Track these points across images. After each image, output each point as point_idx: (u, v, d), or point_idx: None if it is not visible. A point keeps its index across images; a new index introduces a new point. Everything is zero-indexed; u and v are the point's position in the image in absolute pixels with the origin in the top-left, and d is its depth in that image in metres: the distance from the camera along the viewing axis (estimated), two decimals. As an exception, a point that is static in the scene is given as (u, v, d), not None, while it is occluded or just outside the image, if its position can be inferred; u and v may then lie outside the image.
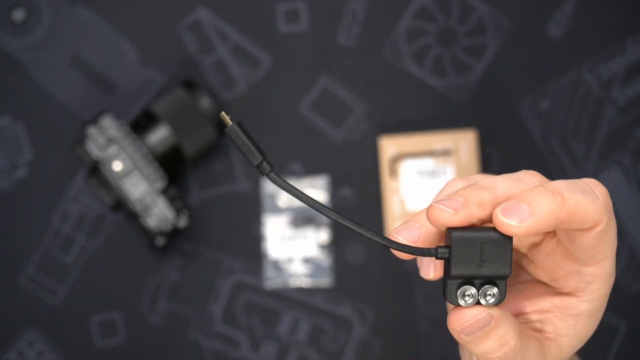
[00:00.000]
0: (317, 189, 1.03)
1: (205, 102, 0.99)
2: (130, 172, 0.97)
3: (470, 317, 0.49)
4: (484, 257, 0.48)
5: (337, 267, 1.02)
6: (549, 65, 1.03)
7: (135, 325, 1.01)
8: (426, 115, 1.03)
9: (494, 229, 0.48)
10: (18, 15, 1.03)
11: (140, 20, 1.03)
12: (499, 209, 0.47)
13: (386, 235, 0.49)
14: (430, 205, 0.49)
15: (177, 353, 1.01)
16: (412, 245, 0.50)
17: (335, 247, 1.02)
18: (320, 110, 1.03)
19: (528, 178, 0.50)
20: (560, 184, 0.48)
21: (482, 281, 0.49)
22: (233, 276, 1.02)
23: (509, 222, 0.47)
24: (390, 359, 1.01)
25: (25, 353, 1.01)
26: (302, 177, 1.03)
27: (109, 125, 0.97)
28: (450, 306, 0.53)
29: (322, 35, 1.03)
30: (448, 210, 0.48)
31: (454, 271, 0.49)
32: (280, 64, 1.03)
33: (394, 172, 1.01)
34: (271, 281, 1.02)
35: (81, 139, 0.98)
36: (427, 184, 1.00)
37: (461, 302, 0.49)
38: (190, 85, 0.99)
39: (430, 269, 0.51)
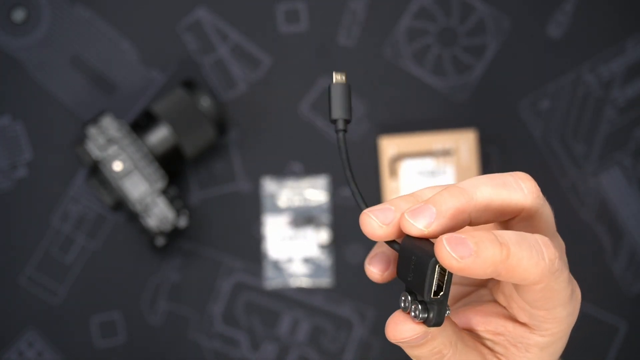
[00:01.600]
0: (317, 189, 1.03)
1: (205, 102, 0.99)
2: (130, 172, 0.97)
3: (406, 334, 0.49)
4: (412, 273, 0.48)
5: (337, 267, 1.02)
6: (549, 65, 1.03)
7: (135, 325, 1.01)
8: (426, 115, 1.03)
9: (429, 248, 0.48)
10: (18, 15, 1.03)
11: (140, 20, 1.04)
12: (445, 236, 0.46)
13: (362, 212, 0.50)
14: (402, 216, 0.48)
15: (177, 353, 1.01)
16: (383, 229, 0.50)
17: (335, 247, 1.02)
18: (320, 110, 1.03)
19: (516, 184, 0.50)
20: (510, 237, 0.47)
21: (416, 294, 0.49)
22: (233, 276, 1.02)
23: (450, 254, 0.46)
24: (390, 359, 1.01)
25: (25, 353, 1.01)
26: (302, 177, 1.03)
27: (109, 125, 0.97)
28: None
29: (322, 35, 1.03)
30: (417, 226, 0.47)
31: (398, 275, 0.49)
32: (280, 64, 1.03)
33: (394, 172, 1.01)
34: (271, 281, 1.02)
35: (81, 139, 0.98)
36: (427, 184, 1.00)
37: (400, 304, 0.49)
38: (190, 85, 1.00)
39: (375, 274, 0.51)
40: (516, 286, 0.50)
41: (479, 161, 1.01)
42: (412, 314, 0.48)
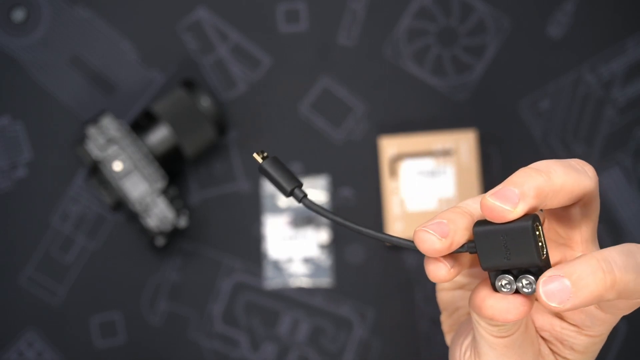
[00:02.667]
0: (317, 189, 1.03)
1: (205, 102, 0.99)
2: (130, 172, 0.97)
3: (520, 314, 0.47)
4: (508, 250, 0.47)
5: (337, 267, 1.02)
6: (549, 65, 1.03)
7: (135, 325, 1.01)
8: (426, 115, 1.03)
9: (517, 220, 0.47)
10: (18, 15, 1.03)
11: (140, 20, 1.04)
12: (542, 278, 0.45)
13: (417, 229, 0.49)
14: (485, 201, 0.47)
15: (177, 353, 1.01)
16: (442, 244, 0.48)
17: (335, 247, 1.02)
18: (320, 110, 1.03)
19: (581, 168, 0.49)
20: (616, 261, 0.46)
21: (518, 270, 0.48)
22: (233, 276, 1.02)
23: (549, 303, 0.45)
24: (390, 359, 1.01)
25: (25, 353, 1.01)
26: (302, 177, 1.03)
27: (109, 125, 0.97)
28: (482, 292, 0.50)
29: (322, 35, 1.03)
30: (505, 207, 0.46)
31: (483, 265, 0.48)
32: (280, 64, 1.03)
33: (394, 172, 1.01)
34: (271, 281, 1.02)
35: (81, 139, 0.98)
36: (427, 184, 1.00)
37: (501, 292, 0.49)
38: (190, 85, 1.00)
39: (440, 270, 0.49)
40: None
41: (479, 161, 1.01)
42: (526, 289, 0.48)
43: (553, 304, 0.45)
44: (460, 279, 0.56)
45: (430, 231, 0.47)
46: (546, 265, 0.48)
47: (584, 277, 0.45)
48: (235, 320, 1.02)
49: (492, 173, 1.02)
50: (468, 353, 0.53)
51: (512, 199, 0.46)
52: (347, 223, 0.50)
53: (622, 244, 0.47)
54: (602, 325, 0.51)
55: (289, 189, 0.51)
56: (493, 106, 1.03)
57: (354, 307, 1.02)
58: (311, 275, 1.02)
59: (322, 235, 1.02)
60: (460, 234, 0.48)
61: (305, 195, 0.51)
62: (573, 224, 0.50)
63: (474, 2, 1.03)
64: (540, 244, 0.47)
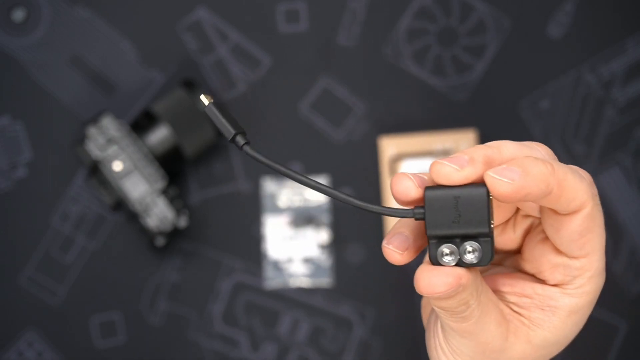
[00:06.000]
0: (317, 189, 1.02)
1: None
2: (130, 172, 0.97)
3: (442, 287, 0.47)
4: (459, 213, 0.47)
5: (337, 267, 1.02)
6: (549, 65, 1.03)
7: (135, 325, 1.02)
8: (426, 115, 1.03)
9: (471, 185, 0.47)
10: (18, 15, 1.03)
11: (140, 20, 1.04)
12: (489, 172, 0.47)
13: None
14: (435, 162, 0.48)
15: (177, 353, 1.01)
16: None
17: (335, 247, 1.02)
18: (320, 110, 1.03)
19: (534, 147, 0.50)
20: (545, 157, 0.48)
21: (461, 239, 0.47)
22: (233, 276, 1.02)
23: (502, 180, 0.46)
24: (390, 359, 1.01)
25: (25, 353, 1.01)
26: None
27: (109, 125, 0.97)
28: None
29: (322, 35, 1.04)
30: (453, 166, 0.47)
31: (429, 231, 0.47)
32: (280, 64, 1.03)
33: (394, 172, 1.01)
34: (271, 281, 1.02)
35: (81, 139, 0.98)
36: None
37: (442, 263, 0.48)
38: (190, 85, 1.00)
39: (395, 253, 0.50)
40: (559, 225, 0.49)
41: (479, 161, 1.01)
42: (466, 257, 0.47)
43: (505, 179, 0.46)
44: None
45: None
46: (492, 236, 0.47)
47: (528, 163, 0.47)
48: (235, 320, 1.02)
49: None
50: (440, 340, 0.53)
51: (461, 161, 0.47)
52: (296, 175, 0.49)
53: None
54: (582, 276, 0.50)
55: (233, 131, 0.49)
56: (493, 106, 1.03)
57: (354, 307, 1.02)
58: (311, 275, 1.02)
59: (322, 235, 1.02)
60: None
61: (247, 142, 0.49)
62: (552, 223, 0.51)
63: (474, 2, 1.03)
64: (491, 212, 0.47)
